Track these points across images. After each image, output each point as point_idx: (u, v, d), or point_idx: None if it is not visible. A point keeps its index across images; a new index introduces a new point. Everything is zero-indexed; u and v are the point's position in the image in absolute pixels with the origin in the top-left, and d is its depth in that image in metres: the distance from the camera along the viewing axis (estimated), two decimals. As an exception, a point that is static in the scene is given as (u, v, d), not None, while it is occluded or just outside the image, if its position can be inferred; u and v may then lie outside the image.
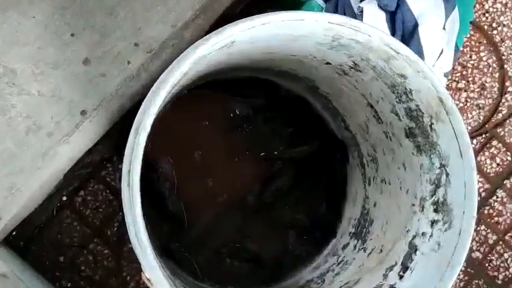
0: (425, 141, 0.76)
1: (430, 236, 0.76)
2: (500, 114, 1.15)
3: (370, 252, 0.86)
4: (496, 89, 1.13)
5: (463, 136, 0.71)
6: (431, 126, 0.74)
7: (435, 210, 0.76)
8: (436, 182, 0.76)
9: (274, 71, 0.91)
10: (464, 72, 1.13)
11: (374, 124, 0.85)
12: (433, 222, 0.76)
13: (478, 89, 1.14)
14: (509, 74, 1.14)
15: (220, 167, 0.97)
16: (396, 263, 0.79)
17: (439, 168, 0.75)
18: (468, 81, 1.14)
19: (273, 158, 0.99)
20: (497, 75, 1.14)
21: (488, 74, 1.14)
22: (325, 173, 1.00)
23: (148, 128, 0.61)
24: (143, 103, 0.66)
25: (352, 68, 0.77)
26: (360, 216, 0.93)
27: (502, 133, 1.15)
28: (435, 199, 0.76)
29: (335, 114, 0.95)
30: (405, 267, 0.77)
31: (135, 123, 0.65)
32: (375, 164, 0.90)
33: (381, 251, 0.83)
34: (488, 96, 1.14)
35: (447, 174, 0.74)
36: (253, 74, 0.95)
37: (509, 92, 1.14)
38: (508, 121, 1.15)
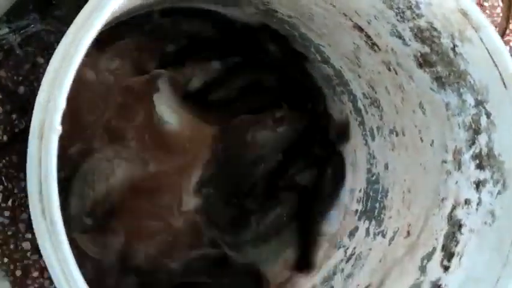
0: (447, 70, 0.69)
1: (478, 203, 0.69)
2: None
3: (392, 237, 0.79)
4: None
5: (502, 57, 0.64)
6: (453, 49, 0.67)
7: (479, 167, 0.69)
8: (474, 127, 0.69)
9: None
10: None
11: (367, 53, 0.77)
12: (479, 184, 0.69)
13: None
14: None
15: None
16: (435, 249, 0.72)
17: (475, 106, 0.68)
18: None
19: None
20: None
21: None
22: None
23: (58, 127, 0.51)
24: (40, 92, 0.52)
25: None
26: (368, 186, 0.86)
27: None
28: (476, 150, 0.69)
29: (306, 45, 0.87)
30: (449, 254, 0.71)
31: (33, 126, 0.51)
32: (378, 108, 0.82)
33: (408, 233, 0.77)
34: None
35: (487, 114, 0.67)
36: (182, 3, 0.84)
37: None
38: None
